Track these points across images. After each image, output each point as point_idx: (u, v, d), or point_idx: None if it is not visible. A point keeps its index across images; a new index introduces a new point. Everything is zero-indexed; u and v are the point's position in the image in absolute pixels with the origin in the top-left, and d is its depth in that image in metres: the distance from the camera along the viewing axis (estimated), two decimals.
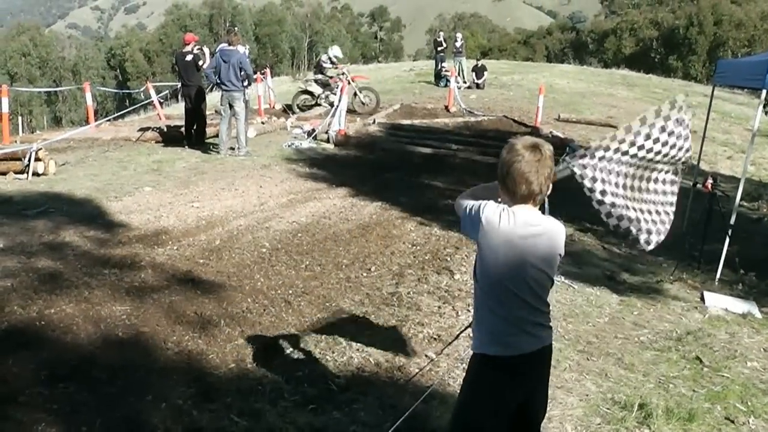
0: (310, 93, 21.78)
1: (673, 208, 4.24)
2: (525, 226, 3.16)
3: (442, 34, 32.32)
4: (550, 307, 3.36)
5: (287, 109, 21.80)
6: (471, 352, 3.42)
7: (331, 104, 19.32)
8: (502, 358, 3.24)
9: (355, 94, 21.43)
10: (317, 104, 21.38)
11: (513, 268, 3.17)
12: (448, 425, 3.54)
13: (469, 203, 3.31)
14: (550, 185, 3.26)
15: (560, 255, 3.29)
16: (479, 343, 3.34)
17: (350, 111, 20.61)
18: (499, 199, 3.27)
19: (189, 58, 14.85)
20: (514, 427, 3.37)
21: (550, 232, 3.24)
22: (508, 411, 3.31)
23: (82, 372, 5.08)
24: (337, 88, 19.85)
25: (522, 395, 3.35)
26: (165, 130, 16.20)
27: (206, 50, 15.22)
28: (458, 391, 5.04)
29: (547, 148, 3.20)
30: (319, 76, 21.74)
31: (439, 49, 29.92)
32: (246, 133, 14.47)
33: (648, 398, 5.16)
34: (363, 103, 21.47)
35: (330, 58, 21.81)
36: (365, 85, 22.37)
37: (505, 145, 3.25)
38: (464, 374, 3.51)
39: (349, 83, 20.97)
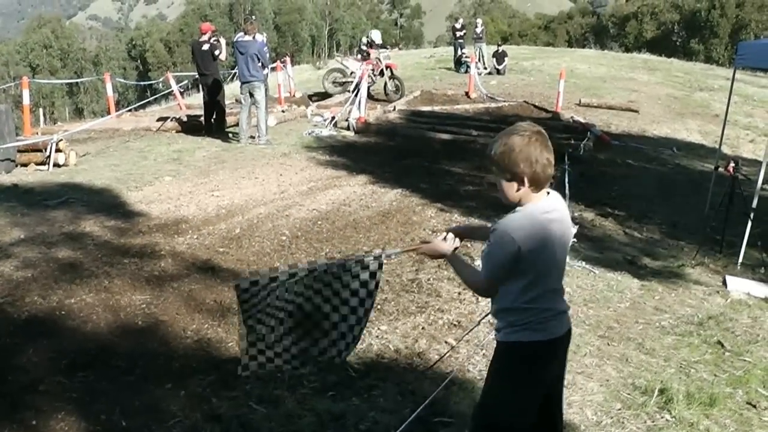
0: (342, 71, 21.79)
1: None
2: (544, 214, 3.12)
3: (460, 20, 32.11)
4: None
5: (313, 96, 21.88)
6: (491, 339, 3.37)
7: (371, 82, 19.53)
8: (543, 343, 3.20)
9: (386, 82, 21.46)
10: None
11: (549, 257, 3.15)
12: (481, 413, 3.45)
13: (490, 260, 3.18)
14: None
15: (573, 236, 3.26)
16: (517, 332, 3.21)
17: (376, 99, 20.68)
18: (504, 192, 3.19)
19: (205, 47, 14.84)
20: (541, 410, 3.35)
21: (563, 215, 3.20)
22: (543, 394, 3.31)
23: (102, 360, 5.12)
24: (375, 69, 19.96)
25: (554, 378, 3.37)
26: (185, 119, 16.24)
27: (222, 40, 15.20)
28: (478, 378, 5.03)
29: (541, 129, 3.10)
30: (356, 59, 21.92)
31: (457, 35, 29.75)
32: (266, 122, 14.47)
33: (669, 383, 5.11)
34: (391, 91, 21.41)
35: (370, 42, 21.93)
36: (395, 74, 22.31)
37: (499, 134, 3.15)
38: (494, 364, 3.40)
39: (382, 71, 21.04)
